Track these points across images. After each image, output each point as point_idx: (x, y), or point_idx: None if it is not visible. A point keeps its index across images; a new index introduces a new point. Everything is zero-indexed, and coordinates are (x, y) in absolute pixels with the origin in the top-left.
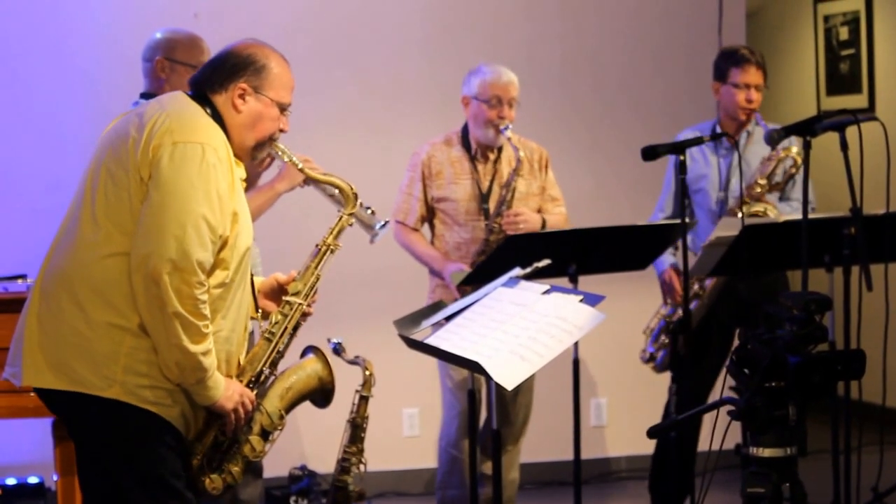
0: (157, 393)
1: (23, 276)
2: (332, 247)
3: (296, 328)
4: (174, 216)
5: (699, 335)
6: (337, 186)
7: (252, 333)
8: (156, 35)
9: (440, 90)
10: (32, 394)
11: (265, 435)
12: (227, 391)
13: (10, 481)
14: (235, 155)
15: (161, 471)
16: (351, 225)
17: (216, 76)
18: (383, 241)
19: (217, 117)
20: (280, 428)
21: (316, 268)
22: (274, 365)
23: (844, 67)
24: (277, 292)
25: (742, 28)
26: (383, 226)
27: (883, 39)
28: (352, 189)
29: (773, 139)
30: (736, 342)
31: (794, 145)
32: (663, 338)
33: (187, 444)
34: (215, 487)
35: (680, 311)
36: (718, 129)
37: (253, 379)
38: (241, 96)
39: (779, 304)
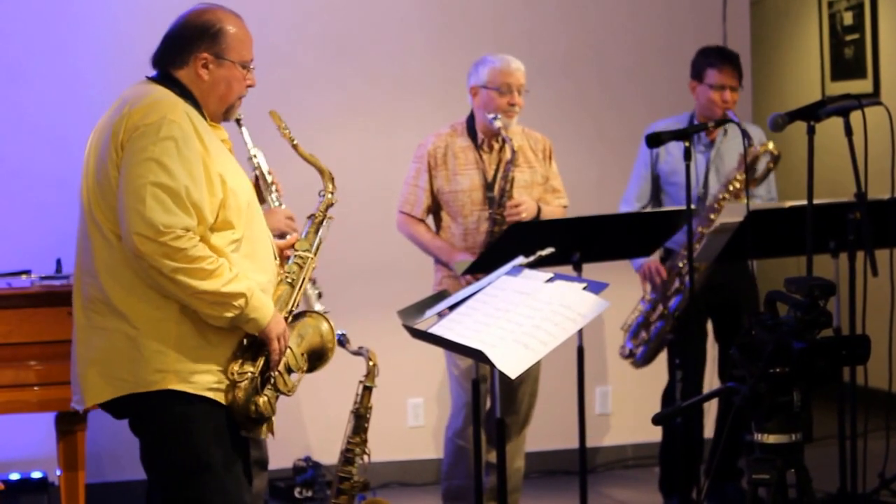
0: (213, 377)
1: (27, 272)
2: (326, 217)
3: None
4: (132, 191)
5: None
6: (319, 169)
7: None
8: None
9: (444, 82)
10: (36, 388)
11: (290, 374)
12: (276, 316)
13: (14, 476)
14: (212, 120)
15: (230, 456)
16: (334, 203)
17: (175, 51)
18: (388, 233)
19: (185, 90)
20: (302, 370)
21: (316, 232)
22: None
23: (849, 52)
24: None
25: (746, 14)
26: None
27: (887, 24)
28: (330, 174)
29: (777, 124)
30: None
31: (770, 141)
32: (643, 334)
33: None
34: (266, 410)
35: (660, 308)
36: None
37: (285, 318)
38: (204, 66)
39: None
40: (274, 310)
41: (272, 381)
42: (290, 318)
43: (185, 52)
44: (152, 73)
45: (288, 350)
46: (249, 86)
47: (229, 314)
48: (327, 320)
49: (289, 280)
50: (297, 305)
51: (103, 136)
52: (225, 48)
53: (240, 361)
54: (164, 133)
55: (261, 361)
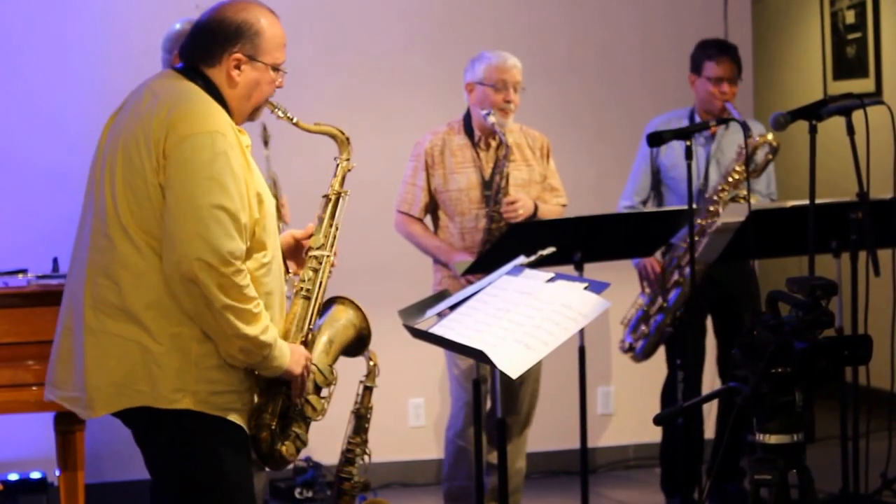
0: (230, 398)
1: (23, 271)
2: (341, 193)
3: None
4: (193, 214)
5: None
6: (330, 135)
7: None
8: (175, 26)
9: (445, 78)
10: (34, 388)
11: (318, 392)
12: (294, 355)
13: (13, 476)
14: (235, 122)
15: (243, 475)
16: (350, 169)
17: (208, 48)
18: (388, 232)
19: (213, 89)
20: (333, 383)
21: (332, 217)
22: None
23: (851, 51)
24: (295, 249)
25: (748, 12)
26: None
27: (889, 23)
28: (343, 134)
29: (779, 123)
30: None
31: (769, 132)
32: (642, 328)
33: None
34: (290, 454)
35: (659, 301)
36: (697, 118)
37: (303, 340)
38: (237, 66)
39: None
40: (289, 352)
41: (299, 409)
42: (311, 337)
43: (218, 49)
44: (150, 68)
45: (314, 368)
46: (278, 87)
47: (251, 360)
48: (353, 305)
49: (304, 292)
50: (314, 320)
51: (135, 134)
52: (260, 51)
53: (256, 415)
54: (219, 148)
55: (278, 406)
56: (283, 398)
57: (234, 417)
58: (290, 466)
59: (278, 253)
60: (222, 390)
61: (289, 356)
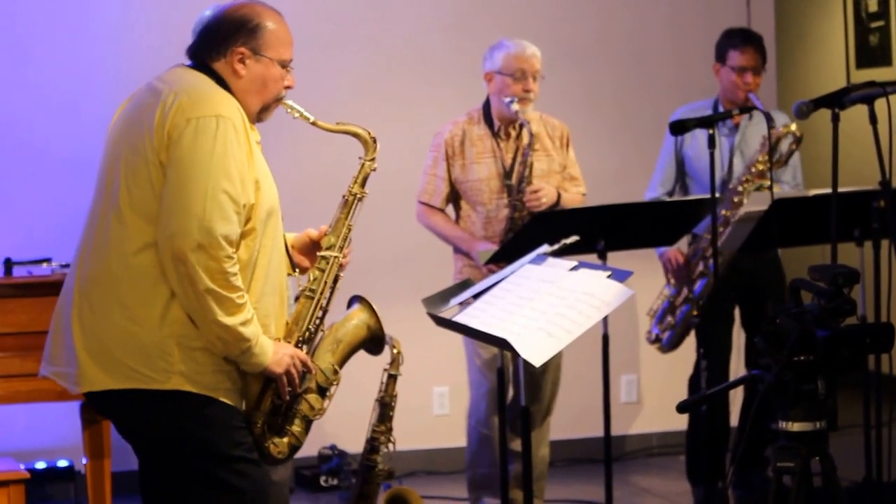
0: (218, 378)
1: (47, 260)
2: (358, 195)
3: (335, 282)
4: (193, 193)
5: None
6: (354, 134)
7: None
8: (205, 13)
9: (468, 65)
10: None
11: (322, 392)
12: (276, 355)
13: (40, 465)
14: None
15: (238, 449)
16: (374, 170)
17: (212, 43)
18: (411, 222)
19: (222, 85)
20: (336, 383)
21: (346, 218)
22: (320, 321)
23: (874, 39)
24: (311, 248)
25: (770, 1)
26: None
27: None
28: (370, 134)
29: (801, 112)
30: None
31: (793, 122)
32: (668, 318)
33: (247, 416)
34: (280, 451)
35: (685, 292)
36: (721, 108)
37: (301, 339)
38: (241, 60)
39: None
40: (271, 351)
41: (296, 407)
42: (311, 336)
43: (221, 45)
44: (169, 56)
45: (315, 368)
46: (288, 87)
47: (229, 351)
48: (368, 305)
49: (308, 292)
50: (318, 320)
51: (139, 119)
52: (263, 44)
53: (246, 412)
54: (222, 132)
55: (266, 404)
56: (273, 396)
57: (224, 397)
58: (315, 454)
59: (278, 247)
60: (209, 370)
61: (270, 355)
